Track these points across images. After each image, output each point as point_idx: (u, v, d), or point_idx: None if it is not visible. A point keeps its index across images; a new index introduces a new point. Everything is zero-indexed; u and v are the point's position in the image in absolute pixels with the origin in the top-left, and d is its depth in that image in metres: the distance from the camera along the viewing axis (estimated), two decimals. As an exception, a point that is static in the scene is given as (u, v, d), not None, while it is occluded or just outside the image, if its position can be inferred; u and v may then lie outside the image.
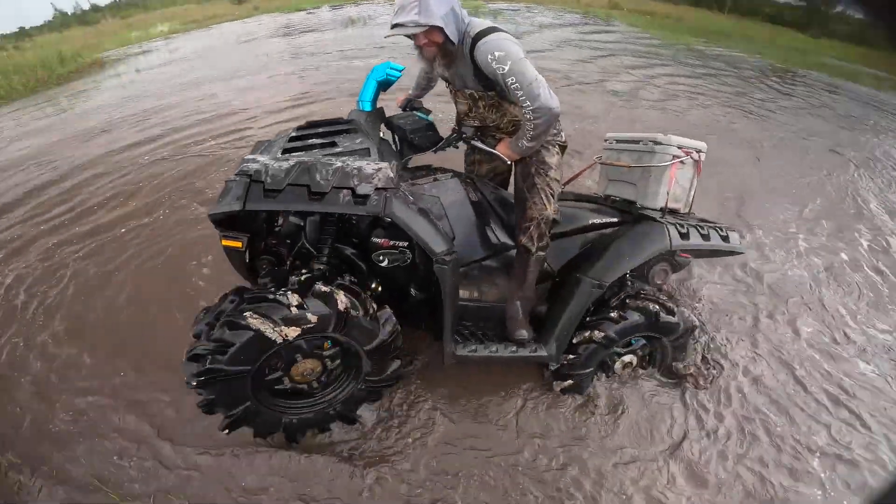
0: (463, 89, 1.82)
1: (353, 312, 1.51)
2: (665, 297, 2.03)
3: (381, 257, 1.70)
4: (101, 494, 1.67)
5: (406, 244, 1.68)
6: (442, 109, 1.96)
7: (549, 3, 13.37)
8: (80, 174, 4.23)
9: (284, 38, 10.41)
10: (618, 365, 2.08)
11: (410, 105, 2.08)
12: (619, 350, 2.04)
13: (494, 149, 1.84)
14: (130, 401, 2.02)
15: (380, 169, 1.48)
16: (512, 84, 1.58)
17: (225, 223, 1.50)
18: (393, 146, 1.94)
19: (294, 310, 1.44)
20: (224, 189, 1.44)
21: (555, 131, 1.89)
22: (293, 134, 1.66)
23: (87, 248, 3.07)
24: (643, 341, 2.07)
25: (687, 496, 1.76)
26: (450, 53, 1.68)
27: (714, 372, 2.23)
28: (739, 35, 11.80)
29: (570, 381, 2.00)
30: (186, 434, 1.87)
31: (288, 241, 1.81)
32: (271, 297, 1.46)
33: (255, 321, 1.41)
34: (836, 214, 3.81)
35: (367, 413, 1.91)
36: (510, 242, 1.98)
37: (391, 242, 1.69)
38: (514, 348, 1.88)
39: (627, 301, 1.95)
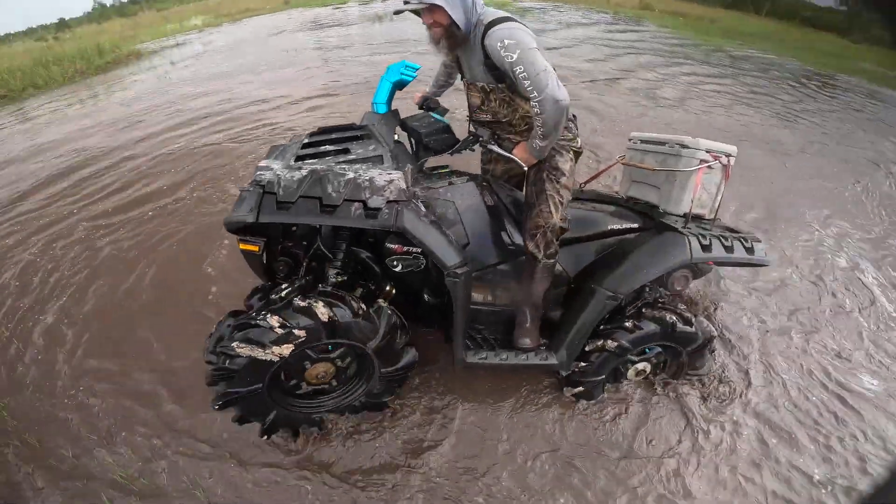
0: (475, 82, 1.79)
1: (339, 318, 1.51)
2: (683, 307, 1.97)
3: (394, 262, 1.70)
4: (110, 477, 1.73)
5: (420, 250, 1.68)
6: (457, 107, 1.93)
7: (577, 2, 13.17)
8: (111, 158, 4.43)
9: (312, 32, 10.54)
10: (630, 372, 2.03)
11: (427, 104, 2.05)
12: (632, 358, 1.99)
13: (511, 153, 1.80)
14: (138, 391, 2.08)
15: (392, 181, 1.48)
16: (520, 73, 1.54)
17: (241, 229, 1.54)
18: (408, 148, 1.92)
19: (278, 330, 1.46)
20: (238, 198, 1.47)
21: (570, 135, 1.85)
22: (306, 140, 1.66)
23: (113, 228, 3.23)
24: (658, 349, 2.02)
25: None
26: (455, 38, 1.64)
27: (725, 387, 2.17)
28: (776, 38, 11.39)
29: (580, 388, 1.97)
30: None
31: (304, 244, 1.83)
32: (253, 322, 1.48)
33: (243, 349, 1.46)
34: (867, 226, 3.63)
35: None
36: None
37: (405, 248, 1.68)
38: (524, 356, 1.85)
39: (643, 310, 1.89)
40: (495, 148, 1.86)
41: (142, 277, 2.72)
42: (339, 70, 6.88)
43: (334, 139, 1.67)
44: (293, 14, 14.03)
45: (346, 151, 1.60)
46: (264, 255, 1.64)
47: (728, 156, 1.88)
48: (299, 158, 1.56)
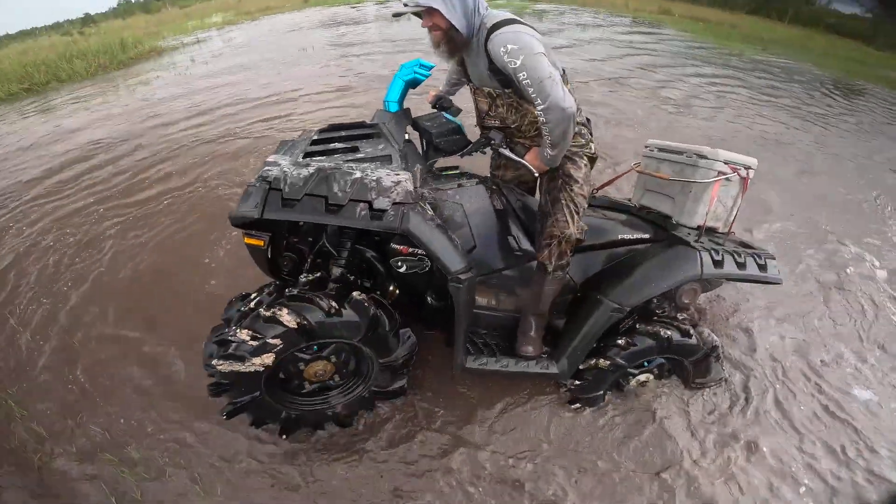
0: (481, 87, 1.74)
1: (312, 320, 1.49)
2: (682, 318, 1.92)
3: (399, 263, 1.68)
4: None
5: (424, 252, 1.66)
6: (471, 108, 1.92)
7: (595, 5, 13.05)
8: (126, 147, 4.58)
9: (329, 30, 10.63)
10: (632, 383, 1.99)
11: (440, 104, 2.01)
12: (632, 371, 1.95)
13: (523, 158, 1.74)
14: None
15: (399, 182, 1.45)
16: (523, 80, 1.47)
17: (247, 224, 1.53)
18: (418, 148, 1.90)
19: (252, 343, 1.46)
20: (244, 193, 1.46)
21: (583, 141, 1.79)
22: (315, 137, 1.65)
23: (124, 214, 3.34)
24: (660, 360, 1.97)
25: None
26: (455, 42, 1.59)
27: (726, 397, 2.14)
28: (798, 45, 11.15)
29: (578, 405, 1.99)
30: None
31: (309, 240, 1.83)
32: (226, 339, 1.48)
33: (223, 366, 1.46)
34: (888, 235, 3.51)
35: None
36: (533, 251, 1.90)
37: (410, 249, 1.66)
38: (524, 364, 1.82)
39: (637, 326, 1.85)
40: (507, 152, 1.79)
41: (149, 263, 2.81)
42: (354, 67, 6.93)
43: (344, 136, 1.66)
44: (311, 13, 14.16)
45: (355, 150, 1.59)
46: (269, 250, 1.64)
47: (747, 168, 1.82)
48: (308, 155, 1.55)
